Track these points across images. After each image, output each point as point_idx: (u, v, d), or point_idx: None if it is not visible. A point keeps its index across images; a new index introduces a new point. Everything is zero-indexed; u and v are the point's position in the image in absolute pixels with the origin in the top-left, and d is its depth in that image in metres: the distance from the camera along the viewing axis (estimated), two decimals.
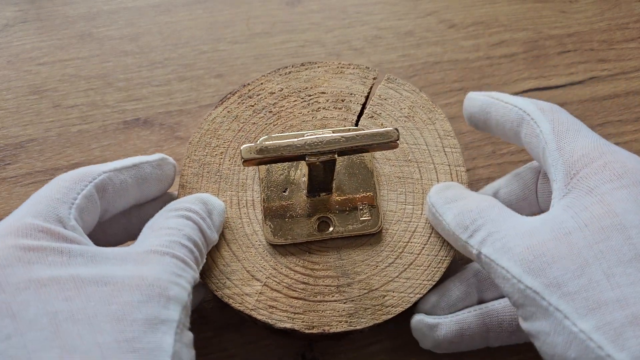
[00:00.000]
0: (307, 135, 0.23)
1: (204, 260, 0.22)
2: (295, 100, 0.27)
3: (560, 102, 0.34)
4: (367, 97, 0.27)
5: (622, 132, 0.33)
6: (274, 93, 0.27)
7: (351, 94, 0.27)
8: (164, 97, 0.33)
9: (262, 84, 0.27)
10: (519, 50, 0.36)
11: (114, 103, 0.32)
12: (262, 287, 0.23)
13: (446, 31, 0.37)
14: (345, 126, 0.27)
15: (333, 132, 0.25)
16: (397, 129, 0.23)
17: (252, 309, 0.23)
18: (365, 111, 0.27)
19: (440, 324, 0.24)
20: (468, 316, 0.24)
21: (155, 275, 0.18)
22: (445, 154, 0.26)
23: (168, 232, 0.20)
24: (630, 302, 0.17)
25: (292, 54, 0.35)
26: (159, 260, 0.19)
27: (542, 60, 0.36)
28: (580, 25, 0.37)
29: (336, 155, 0.22)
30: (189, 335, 0.19)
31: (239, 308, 0.23)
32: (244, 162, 0.22)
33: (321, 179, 0.24)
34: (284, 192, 0.25)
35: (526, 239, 0.20)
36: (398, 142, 0.23)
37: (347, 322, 0.23)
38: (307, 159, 0.22)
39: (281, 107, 0.27)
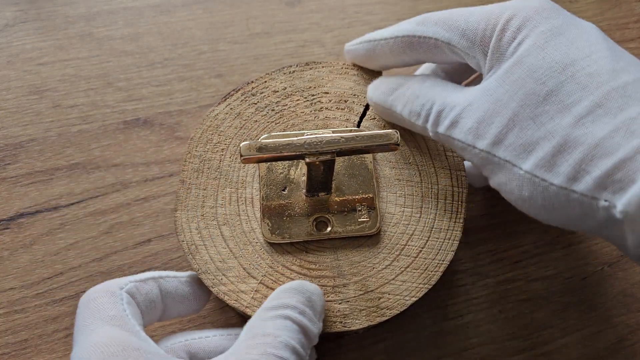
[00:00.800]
0: (307, 135, 0.23)
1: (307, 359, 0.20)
2: (298, 100, 0.27)
3: None
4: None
5: None
6: (277, 92, 0.27)
7: (354, 95, 0.27)
8: (163, 97, 0.33)
9: (265, 82, 0.27)
10: None
11: (114, 103, 0.32)
12: (258, 285, 0.23)
13: None
14: (347, 127, 0.26)
15: (333, 132, 0.25)
16: (397, 131, 0.23)
17: (247, 306, 0.23)
18: (368, 113, 0.27)
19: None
20: None
21: None
22: (447, 158, 0.26)
23: (263, 340, 0.19)
24: (554, 133, 0.19)
25: (291, 54, 0.35)
26: None
27: None
28: None
29: (335, 156, 0.22)
30: None
31: (234, 305, 0.23)
32: (242, 159, 0.22)
33: (320, 178, 0.24)
34: (284, 190, 0.25)
35: (467, 110, 0.22)
36: (398, 145, 0.23)
37: (341, 322, 0.23)
38: (306, 158, 0.22)
39: (284, 105, 0.27)
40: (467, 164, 0.27)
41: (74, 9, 0.36)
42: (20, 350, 0.26)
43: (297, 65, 0.28)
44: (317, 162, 0.22)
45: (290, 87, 0.27)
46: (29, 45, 0.34)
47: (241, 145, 0.22)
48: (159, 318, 0.22)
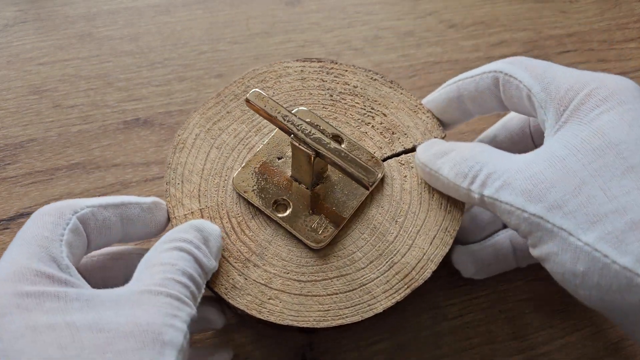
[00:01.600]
0: (308, 124, 0.23)
1: (202, 292, 0.21)
2: (357, 103, 0.27)
3: None
4: (415, 147, 0.26)
5: None
6: (348, 85, 0.27)
7: (405, 133, 0.26)
8: (164, 97, 0.33)
9: (345, 71, 0.28)
10: (519, 50, 0.36)
11: (114, 103, 0.32)
12: (198, 210, 0.24)
13: (446, 31, 0.37)
14: (374, 153, 0.26)
15: (333, 138, 0.25)
16: (378, 174, 0.22)
17: (175, 217, 0.24)
18: (402, 156, 0.26)
19: (478, 250, 0.26)
20: (499, 239, 0.26)
21: (149, 319, 0.18)
22: (431, 244, 0.24)
23: (162, 268, 0.20)
24: (628, 209, 0.18)
25: (291, 54, 0.35)
26: (152, 301, 0.18)
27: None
28: (580, 25, 0.37)
29: (315, 155, 0.22)
30: None
31: (168, 207, 0.24)
32: (245, 100, 0.23)
33: (302, 168, 0.24)
34: (279, 159, 0.25)
35: (523, 172, 0.21)
36: (369, 187, 0.21)
37: (224, 286, 0.23)
38: (291, 137, 0.22)
39: (342, 99, 0.27)
40: (460, 257, 0.26)
41: (74, 9, 0.36)
42: None
43: (381, 77, 0.28)
44: (299, 148, 0.22)
45: (361, 89, 0.27)
46: (29, 45, 0.34)
47: (254, 90, 0.23)
48: (118, 241, 0.22)
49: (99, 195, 0.29)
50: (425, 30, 0.37)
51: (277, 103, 0.23)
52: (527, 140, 0.27)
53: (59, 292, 0.18)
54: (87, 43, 0.34)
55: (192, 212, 0.24)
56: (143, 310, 0.18)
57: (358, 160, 0.22)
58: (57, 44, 0.34)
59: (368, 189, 0.22)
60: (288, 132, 0.22)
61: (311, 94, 0.27)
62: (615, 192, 0.19)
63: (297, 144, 0.22)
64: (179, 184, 0.25)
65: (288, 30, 0.36)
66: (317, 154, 0.22)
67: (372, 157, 0.26)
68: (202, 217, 0.24)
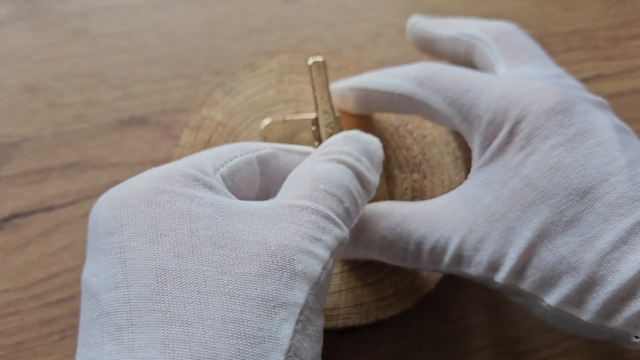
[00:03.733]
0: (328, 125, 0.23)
1: (361, 212, 0.18)
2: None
3: None
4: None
5: None
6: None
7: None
8: (160, 95, 0.32)
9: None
10: None
11: (109, 101, 0.32)
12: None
13: None
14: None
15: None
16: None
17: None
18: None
19: None
20: None
21: (282, 240, 0.15)
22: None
23: (313, 177, 0.17)
24: (579, 270, 0.18)
25: (290, 51, 0.34)
26: (294, 218, 0.15)
27: None
28: (584, 22, 0.37)
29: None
30: (317, 325, 0.15)
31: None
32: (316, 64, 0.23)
33: None
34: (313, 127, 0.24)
35: (468, 239, 0.19)
36: None
37: None
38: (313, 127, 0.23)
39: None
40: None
41: (69, 6, 0.35)
42: (15, 353, 0.25)
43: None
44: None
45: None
46: (23, 42, 0.34)
47: (321, 59, 0.23)
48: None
49: (95, 196, 0.29)
50: None
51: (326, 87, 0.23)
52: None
53: (195, 195, 0.16)
54: (82, 40, 0.34)
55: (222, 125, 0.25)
56: (279, 229, 0.15)
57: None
58: (51, 42, 0.34)
59: None
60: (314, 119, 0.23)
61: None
62: (563, 252, 0.18)
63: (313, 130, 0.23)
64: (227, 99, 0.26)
65: (287, 26, 0.35)
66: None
67: None
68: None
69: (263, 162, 0.19)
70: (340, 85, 0.25)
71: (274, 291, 0.14)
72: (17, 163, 0.30)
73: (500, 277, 0.19)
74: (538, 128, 0.19)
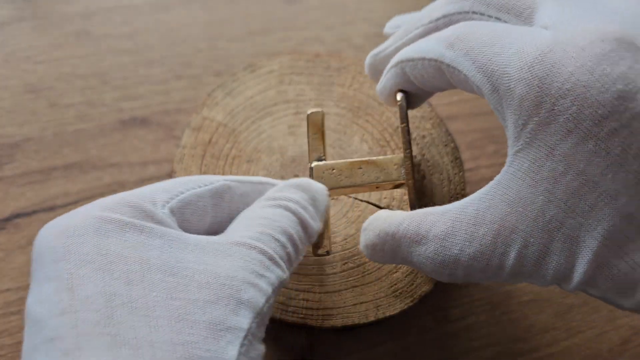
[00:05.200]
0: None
1: (300, 258, 0.19)
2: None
3: None
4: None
5: None
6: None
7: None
8: (161, 96, 0.32)
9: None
10: None
11: (110, 102, 0.32)
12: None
13: None
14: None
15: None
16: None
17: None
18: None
19: None
20: None
21: (231, 272, 0.16)
22: None
23: (261, 222, 0.18)
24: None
25: (291, 52, 0.34)
26: (242, 255, 0.17)
27: None
28: None
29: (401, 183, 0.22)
30: (259, 350, 0.16)
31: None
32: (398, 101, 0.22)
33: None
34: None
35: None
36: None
37: None
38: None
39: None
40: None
41: (71, 7, 0.35)
42: (16, 352, 0.26)
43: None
44: (397, 168, 0.22)
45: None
46: (25, 43, 0.34)
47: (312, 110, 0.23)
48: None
49: (96, 196, 0.29)
50: None
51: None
52: None
53: (144, 227, 0.16)
54: (83, 41, 0.34)
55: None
56: (228, 263, 0.16)
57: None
58: (53, 42, 0.34)
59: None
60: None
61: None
62: (637, 259, 0.16)
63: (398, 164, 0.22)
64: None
65: (287, 27, 0.35)
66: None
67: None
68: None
69: (216, 195, 0.19)
70: (380, 84, 0.23)
71: (222, 316, 0.15)
72: (19, 163, 0.30)
73: (568, 287, 0.17)
74: (590, 105, 0.15)
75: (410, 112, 0.27)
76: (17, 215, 0.29)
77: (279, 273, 0.17)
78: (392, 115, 0.27)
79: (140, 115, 0.32)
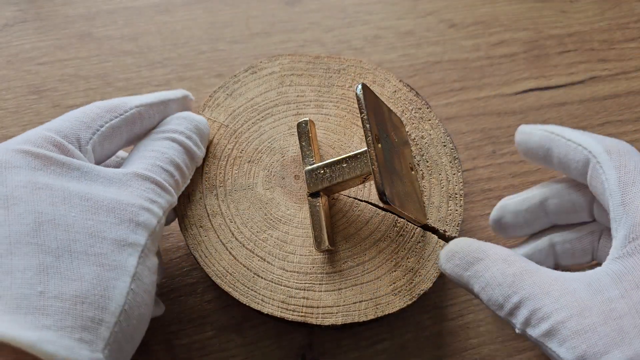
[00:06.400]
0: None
1: (188, 181, 0.24)
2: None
3: (561, 102, 0.34)
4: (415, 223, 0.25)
5: (622, 132, 0.33)
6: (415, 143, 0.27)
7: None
8: None
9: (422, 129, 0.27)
10: (519, 50, 0.36)
11: None
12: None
13: (446, 31, 0.37)
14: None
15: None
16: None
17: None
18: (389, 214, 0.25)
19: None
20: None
21: (130, 200, 0.20)
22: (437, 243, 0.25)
23: (152, 154, 0.22)
24: None
25: (291, 54, 0.35)
26: (137, 184, 0.21)
27: (542, 60, 0.35)
28: (580, 24, 0.37)
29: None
30: (154, 261, 0.21)
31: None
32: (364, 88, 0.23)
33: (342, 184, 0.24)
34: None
35: (575, 319, 0.18)
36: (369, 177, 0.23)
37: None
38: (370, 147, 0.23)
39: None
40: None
41: (74, 9, 0.36)
42: None
43: (452, 148, 0.27)
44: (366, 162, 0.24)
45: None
46: (28, 45, 0.34)
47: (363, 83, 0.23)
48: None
49: None
50: (426, 29, 0.36)
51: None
52: (583, 216, 0.24)
53: (65, 161, 0.20)
54: (86, 43, 0.34)
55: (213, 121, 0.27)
56: (127, 192, 0.20)
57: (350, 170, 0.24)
58: (56, 44, 0.34)
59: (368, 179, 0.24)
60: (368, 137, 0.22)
61: (324, 83, 0.29)
62: None
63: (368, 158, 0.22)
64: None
65: (288, 29, 0.36)
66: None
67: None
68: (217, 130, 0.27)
69: (130, 122, 0.23)
70: (531, 127, 0.24)
71: (124, 235, 0.19)
72: None
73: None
74: None
75: (409, 114, 0.28)
76: None
77: (168, 198, 0.22)
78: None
79: None
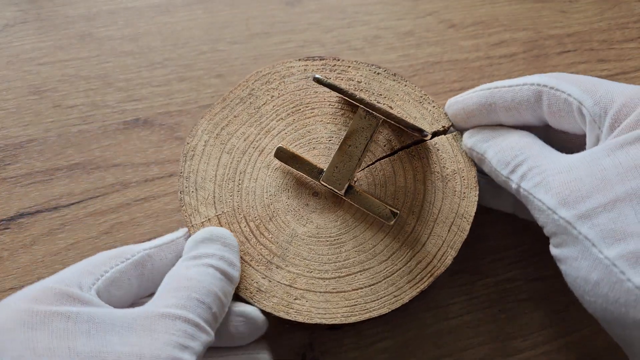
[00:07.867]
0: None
1: (226, 310, 0.20)
2: (362, 99, 0.27)
3: None
4: (419, 142, 0.26)
5: None
6: (352, 80, 0.27)
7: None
8: (163, 98, 0.33)
9: (348, 67, 0.28)
10: (519, 50, 0.36)
11: (114, 103, 0.32)
12: (214, 217, 0.24)
13: (446, 31, 0.37)
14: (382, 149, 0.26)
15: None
16: (430, 134, 0.25)
17: (192, 225, 0.24)
18: (413, 147, 0.26)
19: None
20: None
21: (154, 351, 0.17)
22: (449, 232, 0.25)
23: (186, 284, 0.19)
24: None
25: (291, 54, 0.35)
26: (166, 328, 0.18)
27: (542, 60, 0.36)
28: (580, 25, 0.37)
29: (382, 118, 0.24)
30: None
31: (184, 216, 0.24)
32: (314, 79, 0.25)
33: (353, 151, 0.24)
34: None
35: (563, 174, 0.21)
36: (426, 138, 0.25)
37: (250, 293, 0.23)
38: (360, 106, 0.24)
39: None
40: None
41: (74, 9, 0.36)
42: None
43: (384, 70, 0.27)
44: (365, 116, 0.24)
45: (365, 83, 0.27)
46: (28, 45, 0.34)
47: (316, 75, 0.25)
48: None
49: (99, 196, 0.29)
50: (425, 30, 0.37)
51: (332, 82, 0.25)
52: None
53: (71, 313, 0.17)
54: (87, 43, 0.34)
55: (208, 219, 0.24)
56: (152, 340, 0.17)
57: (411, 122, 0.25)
58: (57, 44, 0.34)
59: (426, 138, 0.25)
60: (355, 100, 0.25)
61: (316, 92, 0.27)
62: None
63: (363, 114, 0.24)
64: (192, 192, 0.25)
65: (287, 30, 0.36)
66: (384, 121, 0.25)
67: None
68: (220, 223, 0.24)
69: (139, 266, 0.21)
70: (461, 96, 0.26)
71: None
72: (23, 163, 0.30)
73: (566, 213, 0.20)
74: None
75: (409, 115, 0.28)
76: (21, 215, 0.29)
77: (204, 338, 0.18)
78: None
79: (143, 117, 0.32)
